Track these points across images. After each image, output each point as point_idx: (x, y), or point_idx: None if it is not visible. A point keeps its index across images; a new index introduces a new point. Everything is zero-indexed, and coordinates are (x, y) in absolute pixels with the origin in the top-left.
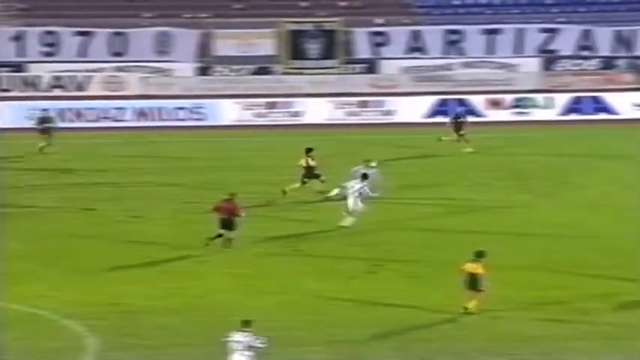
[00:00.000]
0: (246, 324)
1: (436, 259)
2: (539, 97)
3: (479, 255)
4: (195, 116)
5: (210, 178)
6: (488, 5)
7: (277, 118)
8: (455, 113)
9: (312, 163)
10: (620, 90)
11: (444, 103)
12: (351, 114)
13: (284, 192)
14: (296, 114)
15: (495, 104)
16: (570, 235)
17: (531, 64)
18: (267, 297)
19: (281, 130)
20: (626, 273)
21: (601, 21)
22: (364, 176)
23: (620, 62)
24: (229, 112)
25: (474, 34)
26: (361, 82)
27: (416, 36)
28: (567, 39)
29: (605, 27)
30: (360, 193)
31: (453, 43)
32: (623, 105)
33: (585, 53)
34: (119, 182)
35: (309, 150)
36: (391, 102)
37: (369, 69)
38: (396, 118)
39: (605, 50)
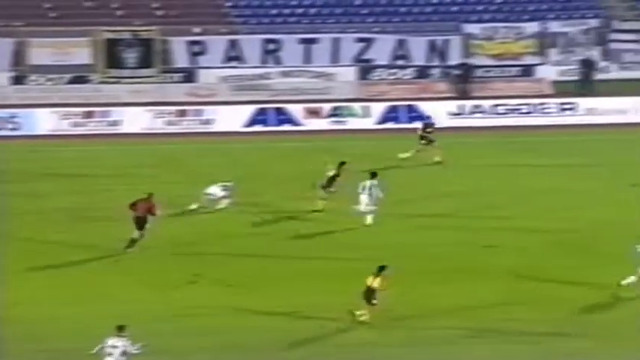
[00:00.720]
0: (120, 329)
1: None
2: (356, 106)
3: (381, 269)
4: (10, 126)
5: (26, 188)
6: (304, 15)
7: (95, 127)
8: (424, 122)
9: (338, 173)
10: (435, 99)
11: (262, 112)
12: (169, 123)
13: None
14: (114, 123)
15: (313, 113)
16: (399, 243)
17: (348, 74)
18: (81, 308)
19: (99, 139)
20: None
21: (415, 31)
22: (373, 175)
23: (434, 71)
24: (45, 122)
25: (291, 44)
26: (179, 91)
27: (234, 45)
28: (382, 48)
29: (419, 37)
30: (370, 194)
31: (271, 53)
32: (438, 114)
33: (400, 62)
34: None
35: (342, 163)
36: (210, 111)
37: (187, 78)
38: (214, 127)
39: (419, 60)
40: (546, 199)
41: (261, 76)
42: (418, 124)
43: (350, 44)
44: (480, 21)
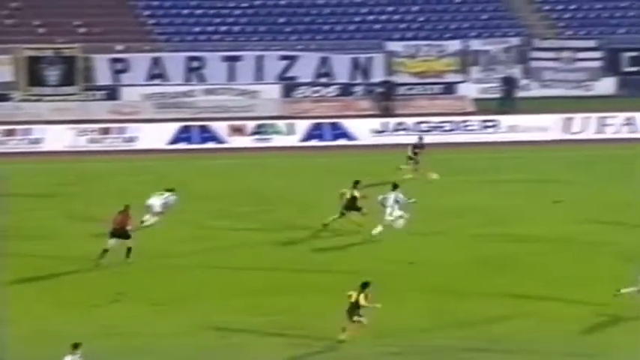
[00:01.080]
0: (75, 347)
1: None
2: (280, 124)
3: (364, 285)
4: None
5: None
6: (228, 33)
7: (16, 145)
8: (414, 143)
9: (356, 194)
10: (359, 116)
11: (186, 129)
12: (92, 141)
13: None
14: (36, 141)
15: (237, 130)
16: (313, 262)
17: (272, 91)
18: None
19: (20, 157)
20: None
21: (338, 49)
22: (395, 186)
23: (357, 89)
24: None
25: (214, 61)
26: (102, 108)
27: (157, 63)
28: (306, 66)
29: (343, 54)
30: (398, 202)
31: (194, 70)
32: (362, 131)
33: (324, 80)
34: None
35: (356, 182)
36: (133, 129)
37: (110, 95)
38: (138, 145)
39: (342, 77)
40: (468, 215)
41: (185, 94)
42: (410, 143)
43: (274, 62)
44: (402, 39)
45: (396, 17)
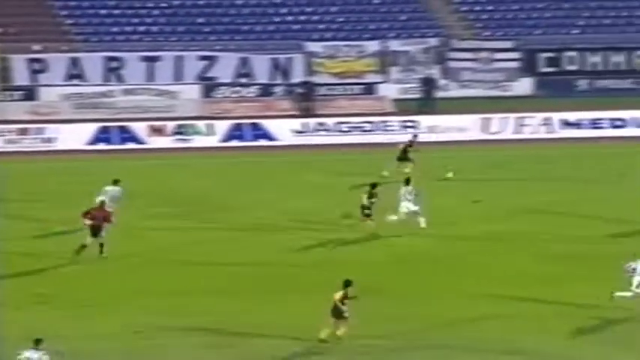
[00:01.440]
0: (38, 342)
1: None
2: (200, 124)
3: (347, 284)
4: None
5: None
6: (147, 33)
7: None
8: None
9: (372, 200)
10: (279, 117)
11: (105, 130)
12: (10, 142)
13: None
14: None
15: (157, 131)
16: (234, 262)
17: (191, 91)
18: None
19: None
20: (285, 299)
21: (258, 49)
22: (407, 181)
23: (277, 89)
24: None
25: (133, 61)
26: (20, 109)
27: (75, 63)
28: (226, 66)
29: (262, 55)
30: (416, 195)
31: (113, 70)
32: (282, 131)
33: (244, 80)
34: None
35: (374, 185)
36: (52, 129)
37: (27, 96)
38: (57, 146)
39: (262, 78)
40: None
41: (104, 94)
42: (401, 142)
43: (193, 62)
44: (321, 39)
45: (315, 18)
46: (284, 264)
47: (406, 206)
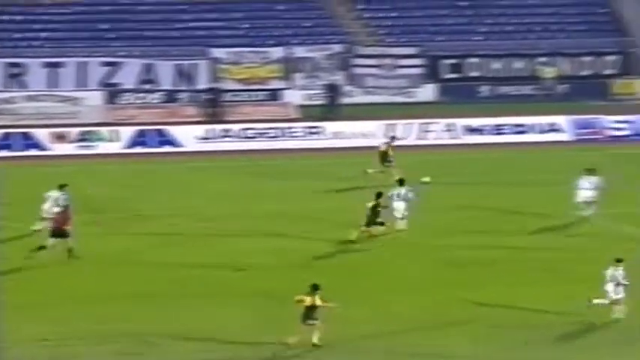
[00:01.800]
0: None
1: None
2: (104, 130)
3: (315, 288)
4: None
5: None
6: (49, 39)
7: None
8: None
9: (379, 209)
10: (184, 123)
11: (7, 136)
12: None
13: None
14: None
15: (60, 138)
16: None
17: (95, 98)
18: None
19: None
20: (208, 303)
21: (162, 55)
22: (401, 182)
23: (182, 96)
24: None
25: (35, 67)
26: None
27: None
28: (130, 72)
29: (167, 61)
30: (405, 200)
31: (15, 77)
32: (187, 138)
33: (148, 87)
34: None
35: (379, 195)
36: None
37: None
38: None
39: (167, 84)
40: (295, 221)
41: (6, 101)
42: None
43: (96, 68)
44: (226, 46)
45: (220, 24)
46: (200, 269)
47: (398, 207)
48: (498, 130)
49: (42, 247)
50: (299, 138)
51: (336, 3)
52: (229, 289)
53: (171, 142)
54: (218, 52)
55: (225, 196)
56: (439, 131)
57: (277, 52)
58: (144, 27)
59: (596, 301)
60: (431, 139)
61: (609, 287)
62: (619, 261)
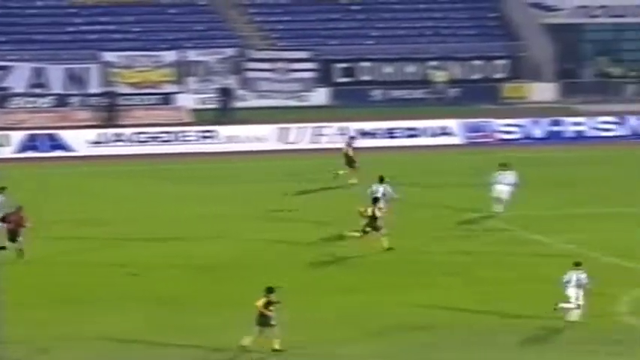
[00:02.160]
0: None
1: None
2: None
3: (269, 291)
4: None
5: None
6: None
7: None
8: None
9: (378, 214)
10: (76, 127)
11: None
12: None
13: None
14: None
15: None
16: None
17: None
18: None
19: None
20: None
21: (53, 59)
22: (382, 180)
23: (74, 100)
24: None
25: None
26: None
27: None
28: (19, 76)
29: (57, 65)
30: (385, 195)
31: None
32: (79, 142)
33: (38, 91)
34: None
35: (375, 200)
36: None
37: None
38: None
39: (57, 88)
40: (188, 225)
41: None
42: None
43: None
44: (118, 49)
45: (112, 27)
46: (100, 274)
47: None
48: (391, 133)
49: (2, 248)
50: (192, 142)
51: (228, 7)
52: (123, 293)
53: (62, 147)
54: (110, 56)
55: (124, 200)
56: (332, 135)
57: (170, 55)
58: (34, 30)
59: (562, 304)
60: (324, 143)
61: (571, 292)
62: (578, 264)
